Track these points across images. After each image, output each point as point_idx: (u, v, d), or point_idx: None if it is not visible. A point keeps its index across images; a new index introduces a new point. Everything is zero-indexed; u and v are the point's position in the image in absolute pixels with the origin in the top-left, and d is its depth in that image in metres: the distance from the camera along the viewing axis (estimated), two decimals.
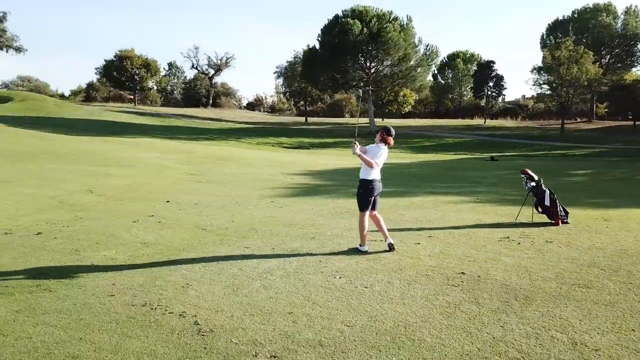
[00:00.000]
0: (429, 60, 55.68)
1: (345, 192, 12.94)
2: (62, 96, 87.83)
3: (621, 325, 4.01)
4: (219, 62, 76.97)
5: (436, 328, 3.96)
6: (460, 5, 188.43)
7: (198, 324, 4.02)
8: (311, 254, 6.36)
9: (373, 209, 6.63)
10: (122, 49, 68.72)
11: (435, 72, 76.98)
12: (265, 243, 7.03)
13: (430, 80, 76.85)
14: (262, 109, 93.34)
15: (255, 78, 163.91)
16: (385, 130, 6.63)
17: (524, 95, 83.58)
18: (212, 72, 79.11)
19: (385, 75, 54.50)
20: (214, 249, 6.69)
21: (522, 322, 4.09)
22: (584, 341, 3.70)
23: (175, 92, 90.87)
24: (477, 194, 12.98)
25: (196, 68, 78.21)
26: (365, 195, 6.49)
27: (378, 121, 61.01)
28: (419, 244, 6.98)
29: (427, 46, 55.28)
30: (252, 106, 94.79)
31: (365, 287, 5.01)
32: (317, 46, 53.86)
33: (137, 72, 66.14)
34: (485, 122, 61.06)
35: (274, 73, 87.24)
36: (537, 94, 57.05)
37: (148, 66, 67.49)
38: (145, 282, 5.15)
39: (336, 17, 52.07)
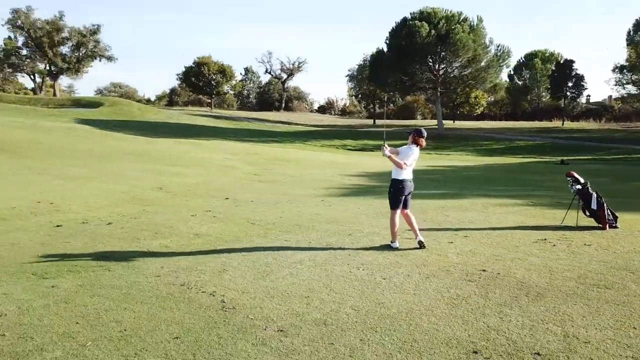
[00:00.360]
0: (501, 60, 53.84)
1: None
2: (148, 101, 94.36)
3: (624, 323, 4.07)
4: (291, 66, 79.03)
5: (436, 316, 4.24)
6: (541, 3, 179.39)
7: (224, 302, 4.58)
8: (343, 248, 6.76)
9: (405, 207, 6.91)
10: (200, 55, 72.67)
11: (511, 72, 74.15)
12: (305, 237, 7.52)
13: (505, 81, 74.11)
14: (332, 112, 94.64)
15: (327, 82, 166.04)
16: (417, 132, 6.89)
17: (611, 96, 78.23)
18: (284, 76, 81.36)
19: (455, 76, 53.47)
20: (257, 241, 7.28)
21: (522, 314, 4.26)
22: (578, 334, 3.83)
23: (251, 96, 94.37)
24: (531, 197, 12.70)
25: (269, 73, 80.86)
26: (395, 194, 6.79)
27: (449, 123, 59.87)
28: (452, 242, 7.16)
29: (498, 46, 53.58)
30: (324, 109, 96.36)
31: (384, 279, 5.35)
32: (385, 49, 53.90)
33: (214, 77, 69.67)
34: (563, 124, 57.97)
35: (345, 76, 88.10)
36: (622, 94, 53.28)
37: (223, 72, 70.85)
38: (188, 267, 5.81)
39: (404, 19, 51.87)
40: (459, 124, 62.01)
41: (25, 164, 17.59)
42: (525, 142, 44.48)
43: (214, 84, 70.11)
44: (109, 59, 75.05)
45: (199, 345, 3.64)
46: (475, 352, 3.53)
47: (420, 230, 7.02)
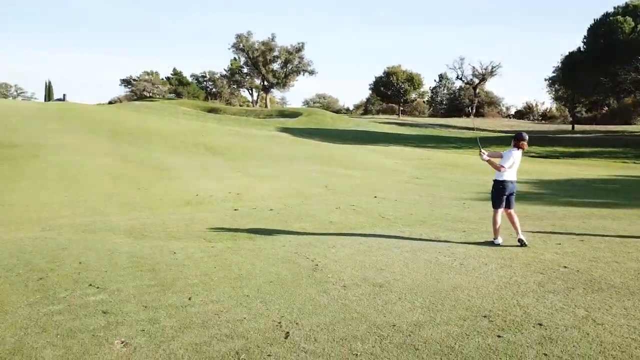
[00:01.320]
0: None
1: (551, 199, 12.83)
2: (347, 110, 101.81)
3: None
4: (483, 71, 76.44)
5: (478, 292, 4.92)
6: None
7: (317, 265, 5.97)
8: (446, 241, 7.51)
9: (508, 207, 7.34)
10: (390, 65, 75.61)
11: None
12: (421, 230, 8.44)
13: None
14: (531, 117, 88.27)
15: (525, 86, 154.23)
16: (517, 137, 7.28)
17: None
18: (476, 81, 79.13)
19: None
20: (377, 230, 8.49)
21: (562, 300, 4.66)
22: (598, 318, 4.18)
23: (444, 102, 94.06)
24: None
25: (461, 79, 79.53)
26: (496, 194, 7.29)
27: None
28: (560, 244, 7.29)
29: None
30: (521, 114, 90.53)
31: (461, 265, 6.07)
32: (582, 48, 48.57)
33: (402, 86, 71.76)
34: None
35: (545, 80, 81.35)
36: None
37: (412, 79, 72.46)
38: (309, 243, 7.37)
39: (605, 15, 46.05)
40: None
41: (230, 165, 21.70)
42: None
43: (402, 92, 72.15)
44: (311, 72, 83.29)
45: (281, 286, 5.11)
46: (485, 317, 4.25)
47: (542, 232, 7.37)
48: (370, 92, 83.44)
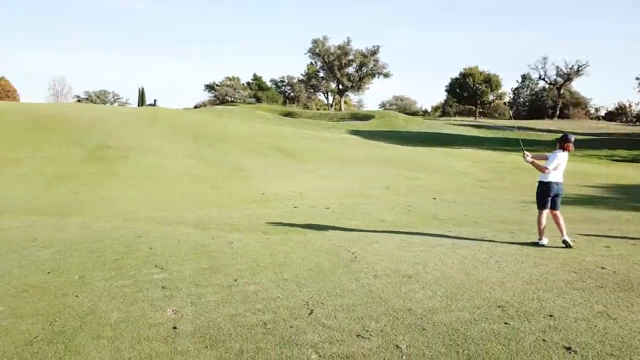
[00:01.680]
0: None
1: (618, 204, 12.29)
2: (424, 112, 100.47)
3: None
4: (568, 70, 72.23)
5: (502, 287, 5.12)
6: None
7: (355, 257, 6.43)
8: (492, 241, 7.63)
9: (553, 208, 7.35)
10: (466, 66, 73.61)
11: None
12: (469, 230, 8.60)
13: None
14: (624, 119, 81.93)
15: (617, 85, 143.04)
16: (563, 138, 7.27)
17: None
18: (561, 81, 74.96)
19: None
20: (425, 229, 8.76)
21: (582, 295, 4.77)
22: (613, 314, 4.29)
23: (526, 103, 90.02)
24: None
25: (543, 79, 75.74)
26: (541, 195, 7.33)
27: None
28: (608, 247, 7.20)
29: None
30: (612, 116, 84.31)
31: (496, 262, 6.24)
32: None
33: (479, 87, 69.63)
34: None
35: (637, 79, 75.26)
36: None
37: (489, 81, 70.06)
38: (355, 238, 7.83)
39: None
40: None
41: (300, 166, 22.60)
42: None
43: (479, 93, 70.01)
44: (386, 75, 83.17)
45: (318, 273, 5.63)
46: (499, 307, 4.50)
47: (596, 236, 7.38)
48: (446, 94, 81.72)
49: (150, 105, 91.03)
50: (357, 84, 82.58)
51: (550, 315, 4.26)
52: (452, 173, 21.42)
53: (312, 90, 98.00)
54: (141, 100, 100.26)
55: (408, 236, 7.98)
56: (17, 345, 3.78)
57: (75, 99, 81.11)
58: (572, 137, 7.31)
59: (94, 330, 4.05)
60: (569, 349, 3.61)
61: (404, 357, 3.55)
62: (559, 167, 7.27)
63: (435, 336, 3.87)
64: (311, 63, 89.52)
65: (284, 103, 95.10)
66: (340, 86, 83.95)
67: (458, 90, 71.78)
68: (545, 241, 7.34)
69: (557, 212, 7.36)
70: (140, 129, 31.53)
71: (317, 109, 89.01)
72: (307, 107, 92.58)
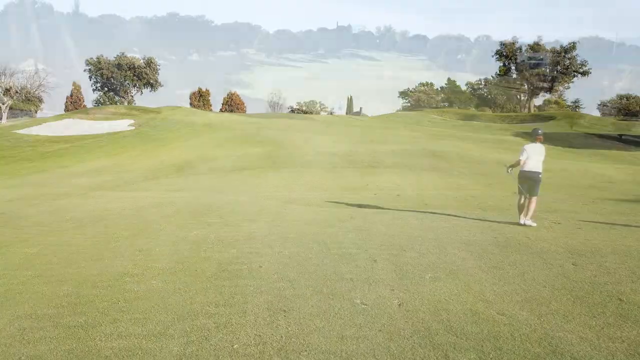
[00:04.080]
0: None
1: None
2: None
3: None
4: None
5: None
6: None
7: (363, 229, 9.78)
8: (482, 220, 9.99)
9: (530, 193, 9.11)
10: None
11: None
12: (483, 216, 10.75)
13: None
14: None
15: None
16: (532, 133, 9.36)
17: None
18: None
19: None
20: (441, 210, 11.18)
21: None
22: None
23: None
24: None
25: None
26: (519, 182, 9.28)
27: None
28: (559, 224, 9.06)
29: None
30: None
31: (468, 232, 8.94)
32: None
33: None
34: None
35: None
36: None
37: None
38: (382, 212, 11.01)
39: None
40: None
41: (433, 166, 25.01)
42: None
43: None
44: (584, 74, 76.34)
45: (326, 226, 9.25)
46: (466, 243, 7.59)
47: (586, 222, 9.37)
48: None
49: (356, 113, 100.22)
50: (549, 84, 77.61)
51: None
52: (590, 177, 21.47)
53: (504, 92, 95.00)
54: (350, 108, 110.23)
55: (423, 215, 10.80)
56: None
57: (289, 110, 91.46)
58: (540, 130, 9.27)
59: None
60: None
61: None
62: (531, 157, 9.04)
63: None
64: (503, 65, 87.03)
65: (477, 106, 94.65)
66: (531, 86, 79.95)
67: None
68: (522, 221, 9.30)
69: (533, 199, 9.11)
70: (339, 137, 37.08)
71: (514, 111, 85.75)
72: (504, 109, 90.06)
